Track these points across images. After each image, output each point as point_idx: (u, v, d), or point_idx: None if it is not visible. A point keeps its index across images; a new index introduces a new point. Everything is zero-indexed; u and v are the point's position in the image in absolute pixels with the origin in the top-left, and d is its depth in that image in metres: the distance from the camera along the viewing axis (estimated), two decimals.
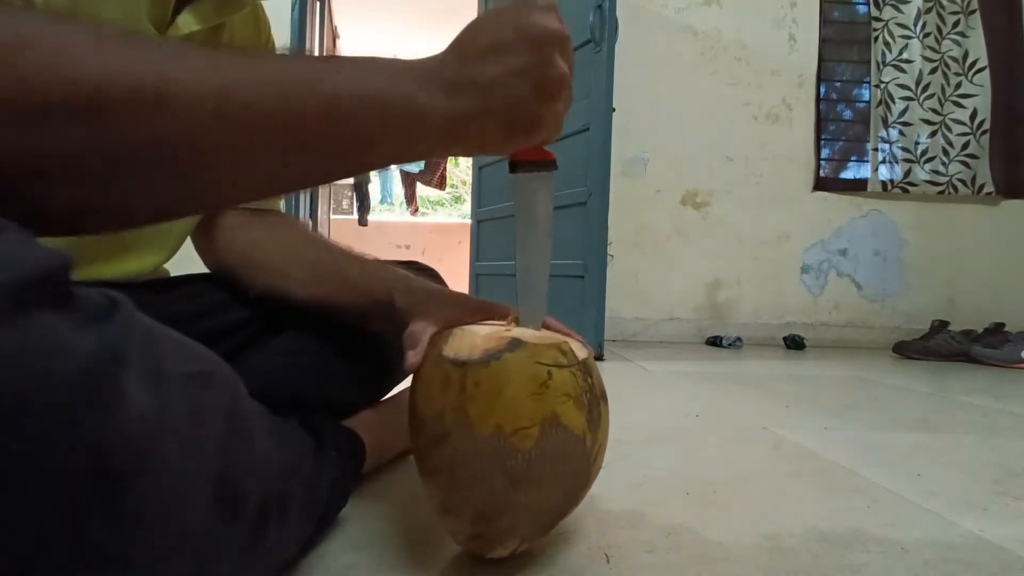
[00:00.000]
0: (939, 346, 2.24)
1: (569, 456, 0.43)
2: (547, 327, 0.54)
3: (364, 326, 0.64)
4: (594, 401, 0.45)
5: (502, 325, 0.50)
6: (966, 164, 2.60)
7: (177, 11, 0.51)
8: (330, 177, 0.36)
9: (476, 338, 0.45)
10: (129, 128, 0.27)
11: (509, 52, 0.34)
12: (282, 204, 0.72)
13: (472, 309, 0.55)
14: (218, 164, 0.30)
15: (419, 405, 0.46)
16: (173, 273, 0.65)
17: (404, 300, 0.56)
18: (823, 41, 2.66)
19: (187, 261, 0.67)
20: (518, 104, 0.34)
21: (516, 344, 0.42)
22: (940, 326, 2.30)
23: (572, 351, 0.45)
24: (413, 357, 0.48)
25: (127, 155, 0.27)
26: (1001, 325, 2.23)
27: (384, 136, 0.33)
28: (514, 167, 0.45)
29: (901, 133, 2.61)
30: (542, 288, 0.48)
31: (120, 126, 0.27)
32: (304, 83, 0.31)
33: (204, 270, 0.67)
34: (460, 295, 0.59)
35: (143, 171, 0.28)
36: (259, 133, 0.30)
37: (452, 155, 0.36)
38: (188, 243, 0.66)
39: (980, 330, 2.26)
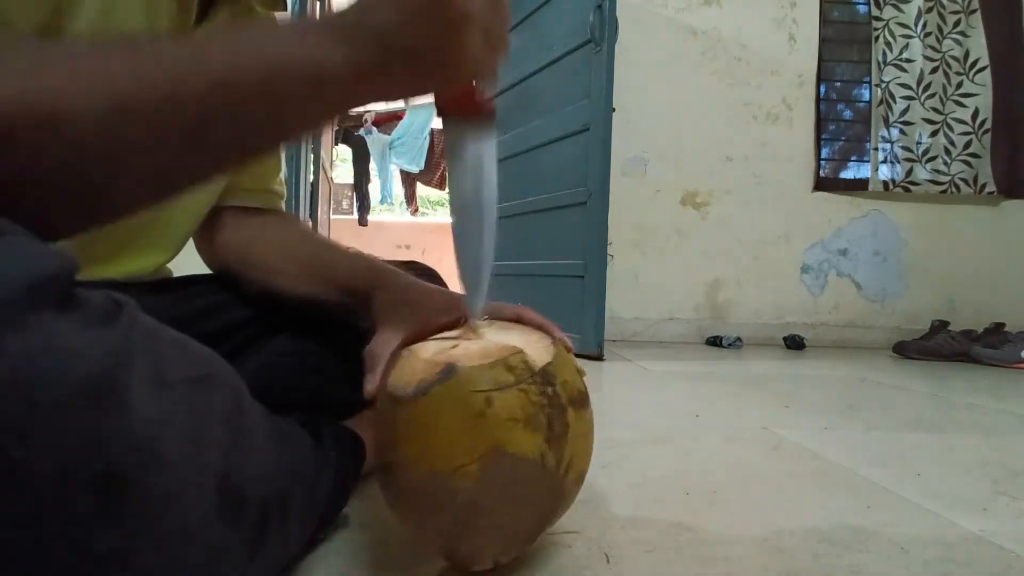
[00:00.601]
0: (939, 346, 2.24)
1: (524, 482, 0.39)
2: (521, 319, 0.51)
3: (358, 325, 0.63)
4: (557, 413, 0.41)
5: (453, 339, 0.46)
6: (968, 163, 2.60)
7: (197, 26, 0.51)
8: (258, 149, 0.35)
9: (418, 363, 0.41)
10: (26, 153, 0.26)
11: None
12: (283, 203, 0.72)
13: (444, 308, 0.52)
14: (129, 163, 0.29)
15: (375, 434, 0.45)
16: (176, 273, 0.65)
17: (378, 304, 0.55)
18: (823, 41, 2.66)
19: (190, 261, 0.67)
20: (420, 46, 0.34)
21: (448, 373, 0.38)
22: (940, 326, 2.30)
23: (524, 363, 0.40)
24: (368, 385, 0.46)
25: (34, 178, 0.27)
26: (1001, 325, 2.23)
27: (285, 101, 0.32)
28: (442, 115, 0.42)
29: (902, 132, 2.61)
30: (479, 269, 0.43)
31: (17, 151, 0.26)
32: (191, 65, 0.30)
33: (206, 270, 0.67)
34: (434, 292, 0.57)
35: (49, 190, 0.28)
36: (154, 124, 0.29)
37: (367, 102, 0.36)
38: (191, 242, 0.66)
39: (980, 330, 2.26)
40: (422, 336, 0.49)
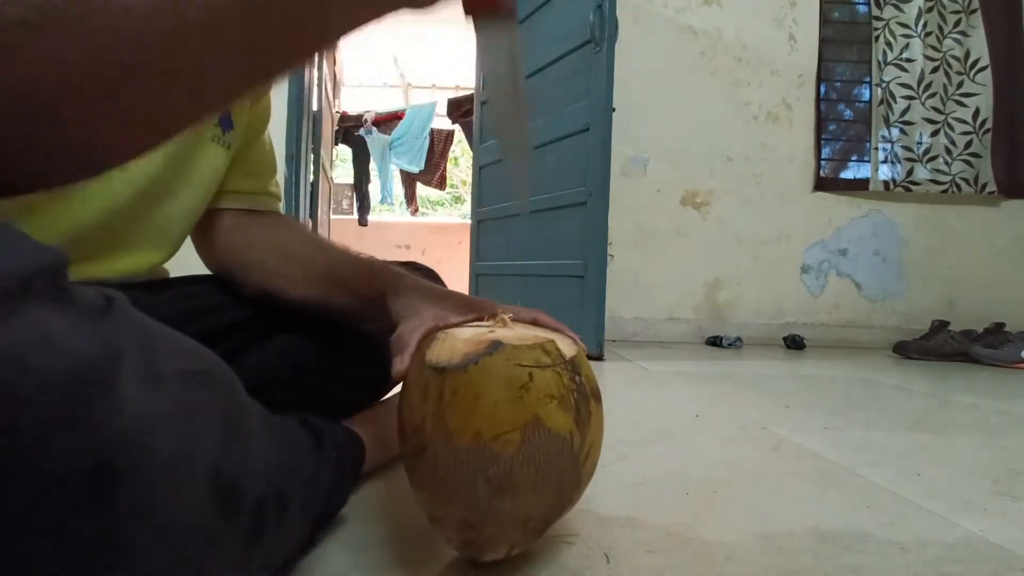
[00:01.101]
0: (939, 346, 2.24)
1: (555, 459, 0.42)
2: (537, 323, 0.53)
3: (359, 326, 0.63)
4: (583, 400, 0.44)
5: (487, 326, 0.49)
6: (969, 163, 2.60)
7: None
8: (283, 59, 0.34)
9: (457, 342, 0.44)
10: (59, 46, 0.25)
11: None
12: (281, 205, 0.72)
13: (461, 308, 0.54)
14: (164, 64, 0.28)
15: (403, 414, 0.46)
16: (173, 273, 0.65)
17: (394, 300, 0.55)
18: (823, 41, 2.66)
19: (187, 261, 0.67)
20: None
21: (495, 347, 0.42)
22: (940, 326, 2.30)
23: (557, 350, 0.44)
24: (399, 365, 0.47)
25: (71, 76, 0.26)
26: (1001, 325, 2.23)
27: (302, 11, 0.31)
28: (469, 16, 0.44)
29: (903, 132, 2.61)
30: (524, 146, 0.47)
31: (49, 45, 0.25)
32: None
33: (204, 270, 0.67)
34: (450, 293, 0.58)
35: (84, 99, 0.27)
36: (204, 25, 0.28)
37: (399, 7, 0.35)
38: (188, 243, 0.66)
39: (980, 330, 2.26)
40: (446, 327, 0.50)
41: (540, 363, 0.42)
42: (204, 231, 0.66)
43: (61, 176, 0.31)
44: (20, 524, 0.20)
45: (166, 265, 0.63)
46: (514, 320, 0.53)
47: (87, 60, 0.26)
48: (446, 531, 0.44)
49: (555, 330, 0.52)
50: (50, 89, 0.26)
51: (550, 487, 0.43)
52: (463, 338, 0.44)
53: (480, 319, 0.53)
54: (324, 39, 0.34)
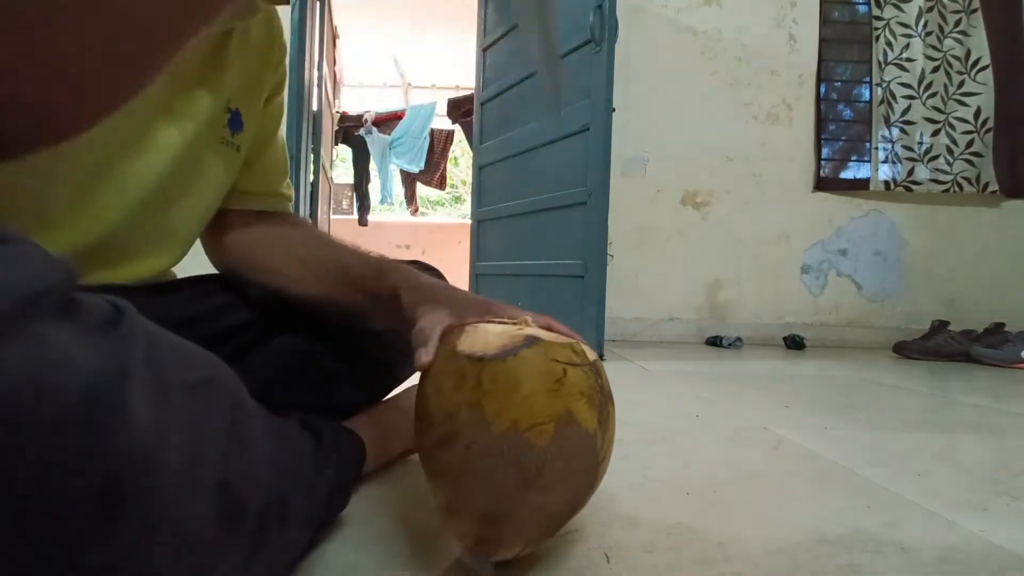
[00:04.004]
0: (939, 346, 2.24)
1: (581, 454, 0.43)
2: (551, 329, 0.53)
3: (365, 324, 0.63)
4: (604, 401, 0.46)
5: (513, 323, 0.49)
6: (970, 163, 2.60)
7: None
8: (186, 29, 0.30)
9: (490, 335, 0.45)
10: None
11: None
12: (290, 205, 0.72)
13: (477, 308, 0.54)
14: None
15: (430, 403, 0.46)
16: (180, 274, 0.65)
17: (409, 297, 0.55)
18: (823, 41, 2.66)
19: (194, 262, 0.67)
20: None
21: (532, 341, 0.43)
22: (940, 326, 2.30)
23: (584, 351, 0.46)
24: (424, 356, 0.47)
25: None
26: (1001, 325, 2.23)
27: None
28: None
29: (903, 132, 2.61)
30: (554, 54, 0.47)
31: None
32: None
33: (211, 270, 0.67)
34: (464, 293, 0.58)
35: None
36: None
37: None
38: (197, 245, 0.66)
39: (980, 330, 2.26)
40: (466, 321, 0.50)
41: (572, 361, 0.44)
42: (214, 231, 0.66)
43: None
44: (31, 545, 0.20)
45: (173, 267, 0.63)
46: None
47: None
48: (463, 525, 0.43)
49: (568, 337, 0.52)
50: None
51: (573, 483, 0.44)
52: (495, 331, 0.45)
53: (494, 319, 0.53)
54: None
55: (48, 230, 0.46)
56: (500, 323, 0.50)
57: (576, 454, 0.43)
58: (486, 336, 0.45)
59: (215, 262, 0.67)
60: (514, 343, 0.43)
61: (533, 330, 0.46)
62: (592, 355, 0.47)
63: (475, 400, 0.42)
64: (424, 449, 0.47)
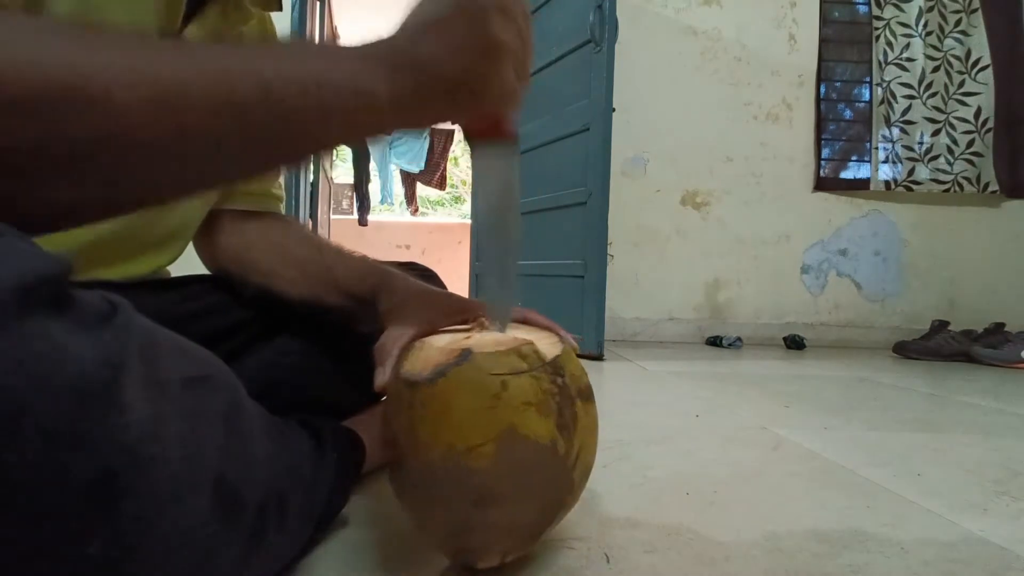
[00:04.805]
0: (939, 346, 2.24)
1: (537, 467, 0.40)
2: (527, 322, 0.53)
3: (352, 327, 0.63)
4: (566, 402, 0.42)
5: (464, 331, 0.48)
6: (971, 162, 2.60)
7: (186, 23, 0.51)
8: (278, 162, 0.35)
9: (432, 352, 0.43)
10: (61, 124, 0.25)
11: (447, 26, 0.35)
12: (282, 206, 0.72)
13: (451, 311, 0.54)
14: (159, 155, 0.29)
15: (386, 426, 0.46)
16: (176, 273, 0.65)
17: (385, 303, 0.55)
18: (823, 41, 2.66)
19: (192, 261, 0.67)
20: (461, 77, 0.35)
21: (465, 357, 0.40)
22: (940, 326, 2.30)
23: (535, 353, 0.42)
24: (379, 377, 0.47)
25: (66, 152, 0.26)
26: (1001, 325, 2.23)
27: (324, 119, 0.33)
28: (470, 140, 0.44)
29: (903, 131, 2.61)
30: (510, 276, 0.46)
31: (52, 121, 0.25)
32: (240, 68, 0.30)
33: (203, 270, 0.67)
34: (440, 294, 0.58)
35: (85, 167, 0.27)
36: (197, 120, 0.29)
37: (398, 128, 0.37)
38: (190, 245, 0.66)
39: (980, 330, 2.26)
40: (431, 333, 0.50)
41: (515, 369, 0.40)
42: (206, 232, 0.66)
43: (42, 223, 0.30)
44: (24, 535, 0.20)
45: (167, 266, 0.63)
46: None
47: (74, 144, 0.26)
48: (434, 539, 0.43)
49: (545, 328, 0.52)
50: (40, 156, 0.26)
51: (536, 495, 0.41)
52: (437, 347, 0.44)
53: (467, 321, 0.53)
54: (314, 150, 0.36)
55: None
56: (453, 332, 0.48)
57: (530, 468, 0.40)
58: (428, 354, 0.43)
59: (207, 262, 0.68)
60: (446, 361, 0.40)
61: (477, 339, 0.44)
62: (554, 351, 0.44)
63: (410, 426, 0.41)
64: (389, 468, 0.47)
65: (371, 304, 0.56)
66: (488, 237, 0.46)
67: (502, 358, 0.41)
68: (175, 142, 0.28)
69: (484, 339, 0.44)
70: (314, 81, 0.31)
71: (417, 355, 0.44)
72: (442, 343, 0.44)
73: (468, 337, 0.45)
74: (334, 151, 0.48)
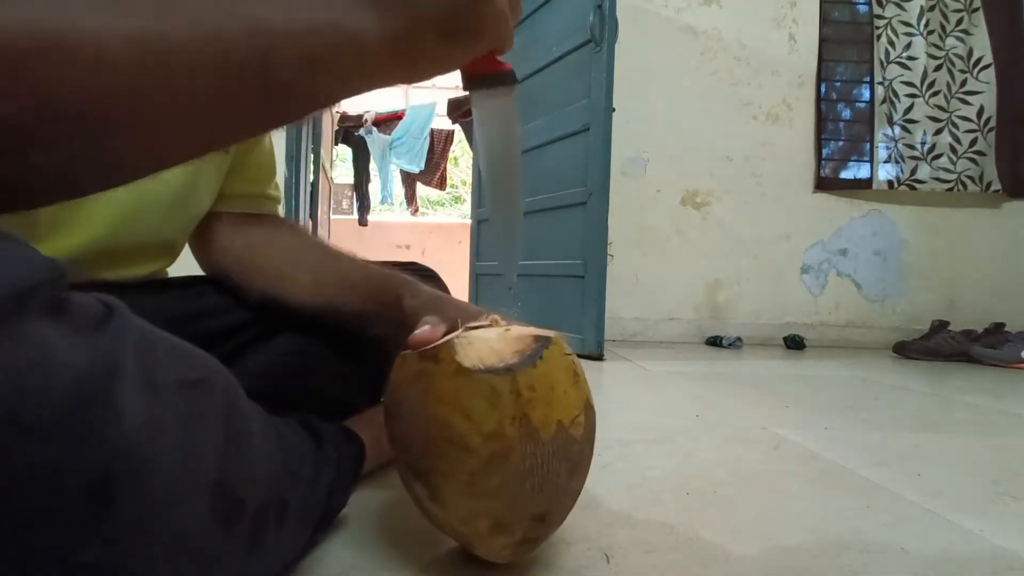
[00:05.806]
0: (939, 346, 2.24)
1: (591, 440, 0.46)
2: (466, 316, 0.53)
3: (367, 330, 0.64)
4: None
5: (484, 326, 0.48)
6: (974, 161, 2.60)
7: None
8: (269, 120, 0.33)
9: (494, 344, 0.43)
10: (43, 84, 0.24)
11: None
12: (280, 207, 0.71)
13: (467, 315, 0.54)
14: (145, 115, 0.27)
15: (458, 433, 0.41)
16: (173, 274, 0.65)
17: (412, 302, 0.56)
18: (823, 41, 2.66)
19: (187, 261, 0.67)
20: (451, 15, 0.33)
21: (548, 341, 0.44)
22: (940, 326, 2.30)
23: (568, 343, 0.47)
24: (430, 332, 0.46)
25: (50, 113, 0.24)
26: (1001, 325, 2.22)
27: (323, 64, 0.31)
28: (469, 84, 0.43)
29: (905, 130, 2.60)
30: (515, 222, 0.46)
31: (33, 79, 0.23)
32: (224, 16, 0.28)
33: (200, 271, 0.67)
34: (458, 300, 0.60)
35: (72, 131, 0.25)
36: (183, 75, 0.27)
37: (397, 80, 0.34)
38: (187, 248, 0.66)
39: (980, 330, 2.26)
40: (455, 330, 0.50)
41: (571, 352, 0.46)
42: (202, 234, 0.65)
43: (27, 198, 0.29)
44: (22, 544, 0.20)
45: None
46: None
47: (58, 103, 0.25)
48: (510, 537, 0.42)
49: (476, 314, 0.54)
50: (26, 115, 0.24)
51: (584, 470, 0.46)
52: (494, 338, 0.44)
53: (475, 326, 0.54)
54: (307, 107, 0.34)
55: (38, 237, 0.46)
56: (485, 328, 0.48)
57: (594, 433, 0.46)
58: (485, 347, 0.42)
59: (204, 265, 0.67)
60: (532, 346, 0.43)
61: (527, 328, 0.47)
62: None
63: (519, 412, 0.40)
64: (457, 484, 0.42)
65: (393, 308, 0.57)
66: (491, 183, 0.46)
67: (564, 341, 0.46)
68: (159, 94, 0.27)
69: (524, 329, 0.47)
70: (300, 25, 0.30)
71: (472, 350, 0.42)
72: (491, 336, 0.44)
73: (507, 329, 0.47)
74: (335, 101, 0.45)
